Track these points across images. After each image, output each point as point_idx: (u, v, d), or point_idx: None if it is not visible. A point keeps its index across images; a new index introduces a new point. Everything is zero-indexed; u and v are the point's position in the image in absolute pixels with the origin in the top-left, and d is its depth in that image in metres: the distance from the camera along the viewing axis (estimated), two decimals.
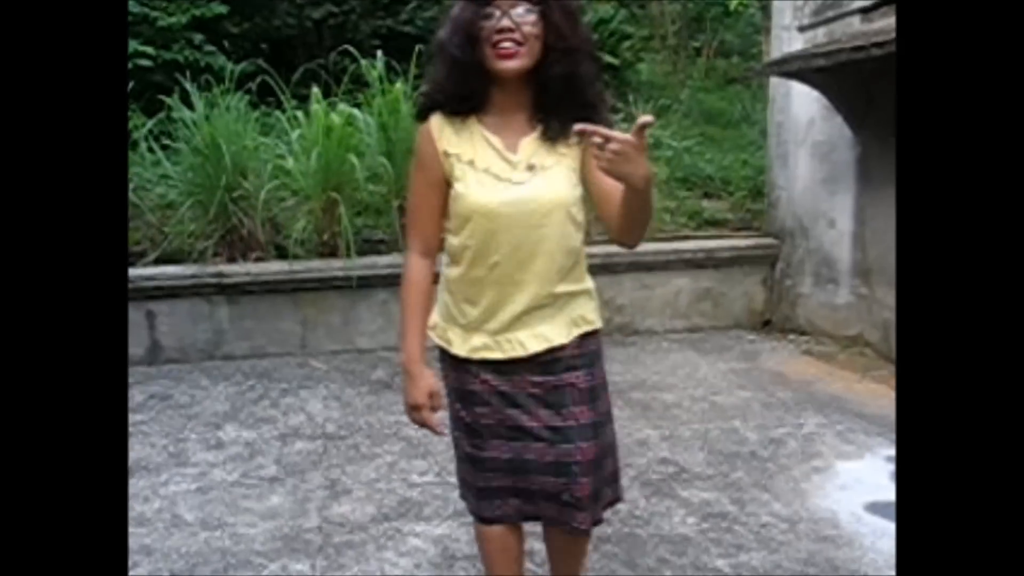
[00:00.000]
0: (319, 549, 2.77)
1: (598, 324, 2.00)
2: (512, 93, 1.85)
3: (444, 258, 2.00)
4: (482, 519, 2.06)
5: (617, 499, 2.09)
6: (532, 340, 1.90)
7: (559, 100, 1.84)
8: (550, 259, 1.87)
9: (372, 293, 4.95)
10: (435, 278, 2.03)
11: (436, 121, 1.91)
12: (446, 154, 1.88)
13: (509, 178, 1.85)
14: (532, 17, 1.79)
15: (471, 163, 1.86)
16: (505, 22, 1.77)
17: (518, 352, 1.91)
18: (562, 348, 1.92)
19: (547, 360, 1.92)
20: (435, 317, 2.03)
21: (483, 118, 1.89)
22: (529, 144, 1.87)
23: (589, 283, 2.00)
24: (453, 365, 1.99)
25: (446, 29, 1.86)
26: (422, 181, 1.95)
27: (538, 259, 1.86)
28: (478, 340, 1.93)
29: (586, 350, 1.96)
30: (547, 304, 1.90)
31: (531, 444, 1.93)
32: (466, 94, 1.85)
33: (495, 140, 1.87)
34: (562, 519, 1.96)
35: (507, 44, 1.77)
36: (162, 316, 4.79)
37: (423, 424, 1.99)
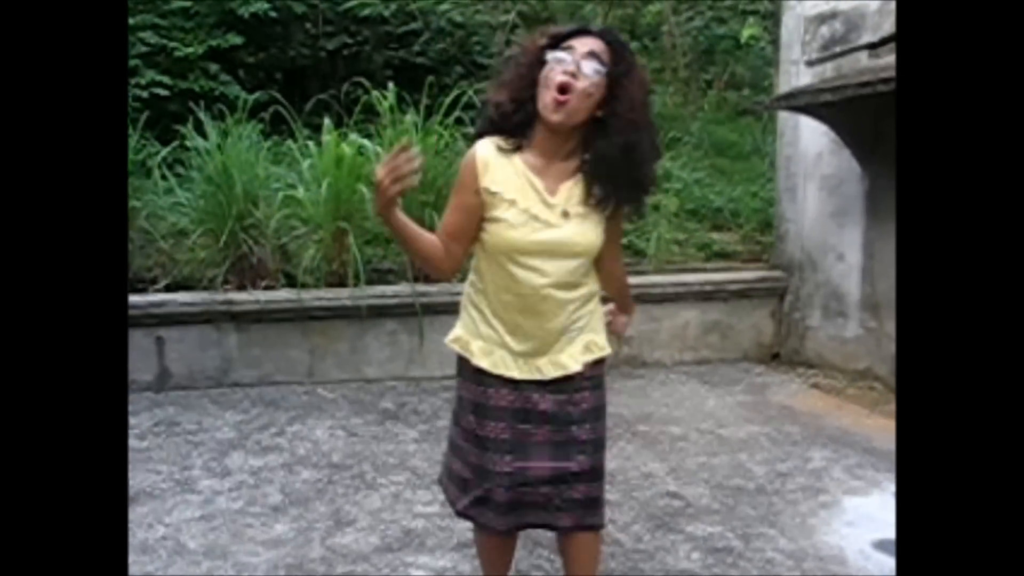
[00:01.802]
0: None
1: (608, 350, 2.13)
2: (559, 139, 1.93)
3: (472, 275, 2.11)
4: (474, 521, 2.17)
5: (601, 525, 2.19)
6: (550, 367, 2.03)
7: (612, 168, 1.92)
8: (572, 296, 2.02)
9: (380, 323, 4.97)
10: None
11: (483, 153, 1.97)
12: (488, 191, 1.95)
13: (547, 220, 1.94)
14: (597, 78, 1.86)
15: (512, 202, 1.94)
16: (570, 65, 1.85)
17: (535, 376, 2.03)
18: (577, 373, 2.05)
19: (560, 379, 2.04)
20: (458, 330, 2.13)
21: (527, 158, 1.96)
22: (567, 189, 1.95)
23: (600, 310, 2.14)
24: (471, 378, 2.09)
25: (520, 50, 2.00)
26: (458, 201, 2.01)
27: (562, 295, 2.00)
28: (498, 356, 2.03)
29: (595, 373, 2.10)
30: (565, 333, 2.03)
31: (533, 459, 2.04)
32: (514, 120, 1.93)
33: (536, 181, 1.95)
34: (552, 521, 2.10)
35: (560, 93, 1.84)
36: (171, 343, 4.81)
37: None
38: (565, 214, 1.94)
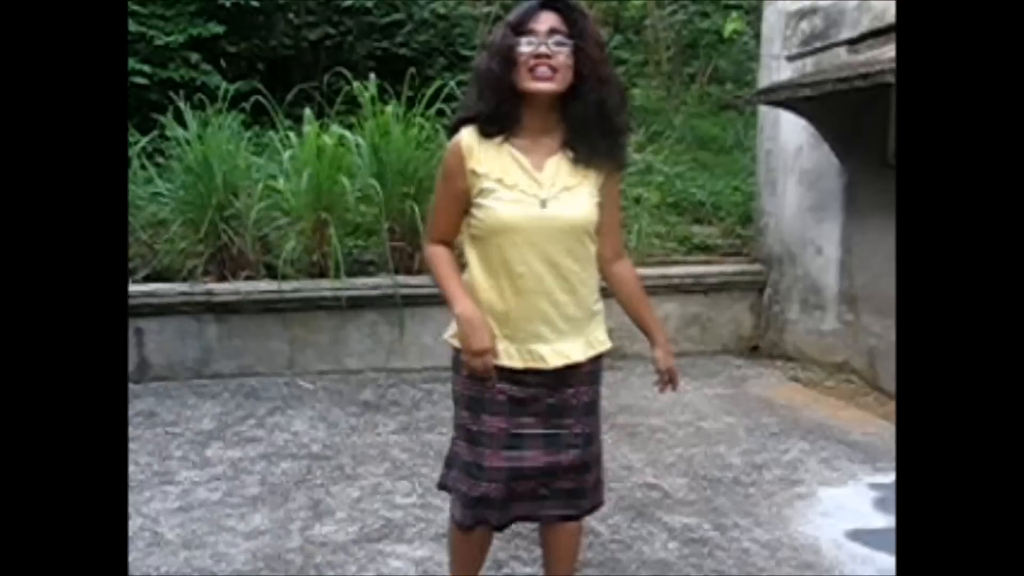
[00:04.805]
0: (300, 570, 2.76)
1: (609, 345, 2.15)
2: (542, 117, 1.99)
3: (469, 267, 2.10)
4: (464, 527, 2.14)
5: (598, 504, 2.24)
6: (553, 356, 2.03)
7: (589, 126, 1.99)
8: (569, 273, 2.02)
9: (361, 314, 4.96)
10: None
11: (467, 139, 2.02)
12: (474, 172, 1.99)
13: (536, 195, 1.98)
14: (567, 49, 1.94)
15: (500, 180, 1.98)
16: (543, 49, 1.92)
17: (539, 364, 2.03)
18: (578, 365, 2.07)
19: (562, 374, 2.06)
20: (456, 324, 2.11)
21: (513, 140, 2.01)
22: (554, 164, 2.00)
23: (601, 306, 2.15)
24: (469, 373, 2.07)
25: (485, 54, 2.02)
26: (446, 191, 2.07)
27: (559, 272, 2.01)
28: (500, 347, 2.03)
29: (595, 368, 2.14)
30: (566, 320, 2.04)
31: (527, 452, 2.06)
32: (500, 114, 1.97)
33: (523, 159, 1.99)
34: (537, 511, 2.14)
35: (543, 68, 1.91)
36: (151, 333, 4.78)
37: (486, 370, 2.01)
38: (553, 187, 1.98)
